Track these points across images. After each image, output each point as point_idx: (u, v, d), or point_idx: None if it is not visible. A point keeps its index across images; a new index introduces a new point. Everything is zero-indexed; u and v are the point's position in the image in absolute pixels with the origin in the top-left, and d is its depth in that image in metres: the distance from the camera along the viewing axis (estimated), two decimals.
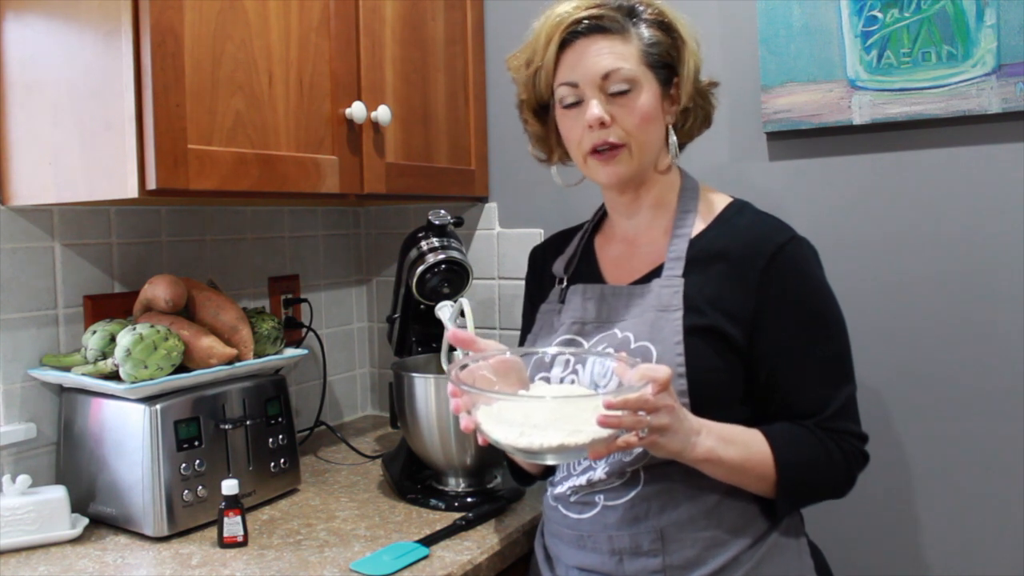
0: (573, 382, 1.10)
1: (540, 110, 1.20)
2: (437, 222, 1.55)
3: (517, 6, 1.84)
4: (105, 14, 1.17)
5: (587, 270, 1.23)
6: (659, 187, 1.18)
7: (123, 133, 1.17)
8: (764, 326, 1.07)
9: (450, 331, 1.08)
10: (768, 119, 1.54)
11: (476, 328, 1.49)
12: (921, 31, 1.41)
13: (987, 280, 1.41)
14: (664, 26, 1.12)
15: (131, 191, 1.17)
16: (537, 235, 1.85)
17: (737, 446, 1.02)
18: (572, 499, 1.12)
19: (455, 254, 1.53)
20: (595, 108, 1.09)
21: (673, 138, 1.16)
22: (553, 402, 0.92)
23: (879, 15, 1.43)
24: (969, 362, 1.43)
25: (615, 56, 1.08)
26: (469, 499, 1.41)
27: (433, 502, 1.42)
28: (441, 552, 1.22)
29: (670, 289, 1.09)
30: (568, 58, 1.11)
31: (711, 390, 1.05)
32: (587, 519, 1.10)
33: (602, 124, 1.09)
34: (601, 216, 1.29)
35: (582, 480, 1.10)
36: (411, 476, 1.50)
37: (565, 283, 1.23)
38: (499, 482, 1.48)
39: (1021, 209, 1.38)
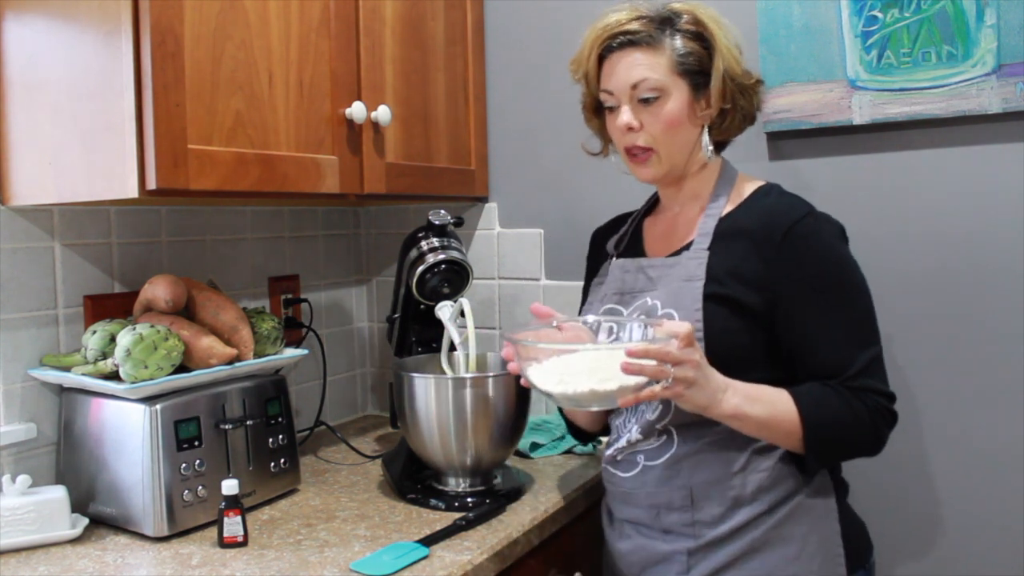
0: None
1: (597, 107, 1.32)
2: (437, 222, 1.55)
3: (517, 6, 1.84)
4: (105, 14, 1.17)
5: (634, 246, 1.36)
6: (697, 181, 1.28)
7: (123, 133, 1.17)
8: (782, 294, 1.15)
9: (533, 305, 1.22)
10: (768, 119, 1.54)
11: (476, 328, 1.50)
12: (921, 31, 1.41)
13: (987, 280, 1.41)
14: (698, 36, 1.21)
15: (131, 191, 1.17)
16: (537, 235, 1.86)
17: (763, 403, 1.11)
18: (619, 459, 1.27)
19: (455, 254, 1.53)
20: (624, 115, 1.22)
21: (706, 138, 1.25)
22: (587, 353, 1.08)
23: (879, 15, 1.44)
24: (969, 362, 1.43)
25: (645, 67, 1.20)
26: (469, 499, 1.41)
27: (433, 502, 1.42)
28: (441, 552, 1.22)
29: (695, 261, 1.20)
30: (606, 68, 1.25)
31: (728, 350, 1.14)
32: (630, 477, 1.24)
33: (630, 129, 1.22)
34: (655, 200, 1.40)
35: (623, 442, 1.25)
36: (411, 476, 1.50)
37: (614, 258, 1.35)
38: (499, 482, 1.48)
39: (1021, 209, 1.38)
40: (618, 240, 1.39)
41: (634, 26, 1.21)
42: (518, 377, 1.15)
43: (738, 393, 1.10)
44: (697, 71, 1.21)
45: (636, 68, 1.21)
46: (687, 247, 1.24)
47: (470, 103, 1.85)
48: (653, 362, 1.01)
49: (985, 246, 1.41)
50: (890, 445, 1.50)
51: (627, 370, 1.00)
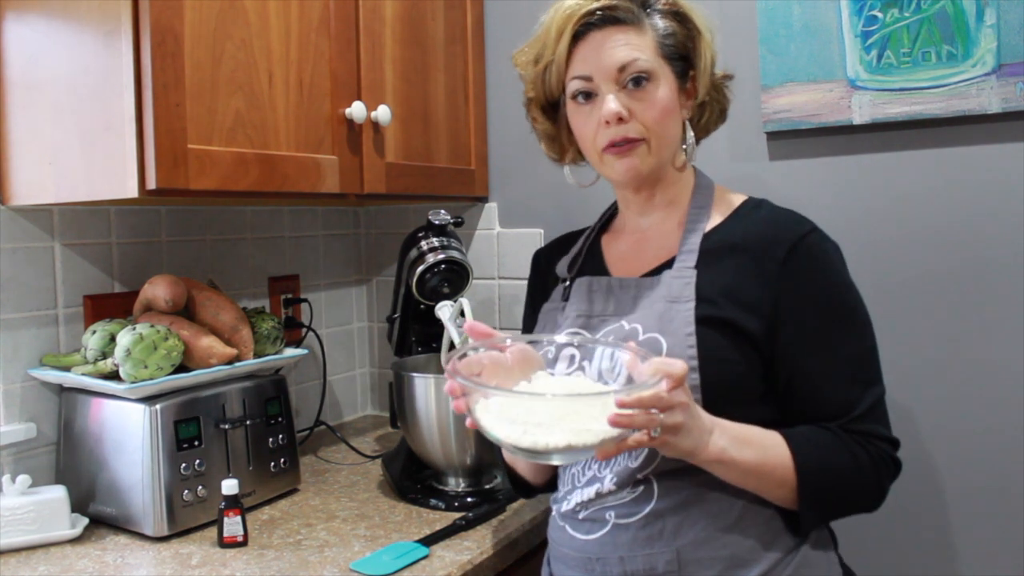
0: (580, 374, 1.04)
1: (549, 108, 1.15)
2: (437, 222, 1.55)
3: (517, 6, 1.84)
4: (105, 14, 1.17)
5: (592, 267, 1.18)
6: (674, 185, 1.13)
7: (123, 133, 1.17)
8: (785, 320, 1.00)
9: (468, 323, 1.01)
10: (768, 119, 1.54)
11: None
12: (921, 31, 1.41)
13: (987, 280, 1.41)
14: (679, 17, 1.07)
15: (131, 191, 1.17)
16: (537, 235, 1.85)
17: (753, 447, 0.95)
18: (580, 516, 1.04)
19: (455, 254, 1.53)
20: (611, 103, 1.03)
21: (691, 134, 1.11)
22: (558, 400, 0.85)
23: (879, 15, 1.43)
24: (969, 362, 1.43)
25: (631, 47, 1.04)
26: (469, 499, 1.41)
27: (433, 502, 1.42)
28: (441, 552, 1.22)
29: (681, 280, 1.04)
30: (581, 51, 1.06)
31: (726, 384, 0.98)
32: (595, 540, 1.02)
33: (620, 120, 1.04)
34: (609, 216, 1.25)
35: (590, 492, 1.03)
36: (411, 476, 1.50)
37: (569, 282, 1.18)
38: (499, 482, 1.48)
39: (1021, 209, 1.38)
40: (571, 261, 1.20)
41: (612, 1, 1.04)
42: None
43: (725, 434, 0.94)
44: (679, 55, 1.07)
45: (621, 48, 1.03)
46: (667, 264, 1.08)
47: (470, 103, 1.85)
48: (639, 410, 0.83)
49: (985, 246, 1.41)
50: None
51: (616, 423, 0.82)
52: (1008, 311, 1.40)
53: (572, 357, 1.06)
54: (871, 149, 1.50)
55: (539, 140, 1.22)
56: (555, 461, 0.89)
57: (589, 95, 1.06)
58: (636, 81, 1.04)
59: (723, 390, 0.98)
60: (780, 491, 0.98)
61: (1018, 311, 1.39)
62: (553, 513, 1.12)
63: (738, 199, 1.13)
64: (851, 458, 0.98)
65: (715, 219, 1.10)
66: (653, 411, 0.85)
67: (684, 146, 1.12)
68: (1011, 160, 1.38)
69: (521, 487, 1.24)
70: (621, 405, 0.82)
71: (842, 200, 1.52)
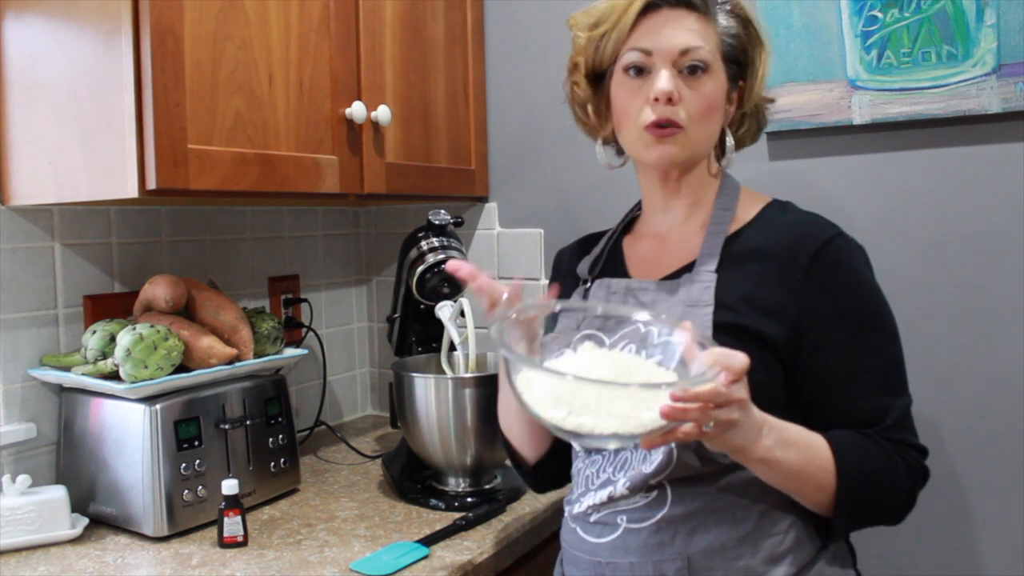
0: (628, 349, 0.97)
1: (593, 77, 1.11)
2: (437, 222, 1.55)
3: (517, 6, 1.84)
4: (105, 14, 1.17)
5: (613, 269, 1.16)
6: (701, 184, 1.11)
7: (123, 133, 1.17)
8: (809, 328, 0.98)
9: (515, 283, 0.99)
10: (768, 119, 1.54)
11: (476, 328, 1.50)
12: (921, 31, 1.41)
13: (987, 280, 1.41)
14: (744, 21, 1.07)
15: (131, 191, 1.17)
16: (537, 235, 1.85)
17: (797, 448, 0.92)
18: (592, 519, 1.03)
19: (455, 254, 1.53)
20: (666, 81, 1.01)
21: (730, 140, 1.10)
22: (609, 385, 0.80)
23: (879, 15, 1.43)
24: (969, 361, 1.43)
25: (696, 34, 1.03)
26: (469, 499, 1.41)
27: (433, 502, 1.42)
28: (441, 552, 1.22)
29: (701, 284, 1.02)
30: (646, 24, 1.04)
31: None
32: (606, 543, 1.00)
33: (669, 100, 1.02)
34: (632, 218, 1.23)
35: (603, 496, 1.01)
36: (411, 476, 1.50)
37: (589, 283, 1.15)
38: (499, 482, 1.48)
39: (1021, 209, 1.38)
40: (592, 263, 1.18)
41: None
42: None
43: (772, 433, 0.90)
44: (735, 59, 1.07)
45: (687, 33, 1.02)
46: (688, 268, 1.05)
47: (470, 103, 1.85)
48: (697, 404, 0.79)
49: (985, 246, 1.41)
50: None
51: (669, 416, 0.78)
52: (1008, 311, 1.40)
53: (600, 340, 1.01)
54: (871, 149, 1.50)
55: (573, 109, 1.19)
56: (595, 445, 0.88)
57: (641, 70, 1.04)
58: (692, 69, 1.03)
59: None
60: (817, 495, 0.95)
61: (1019, 311, 1.39)
62: (566, 515, 1.11)
63: (762, 201, 1.11)
64: (890, 464, 0.97)
65: (739, 222, 1.08)
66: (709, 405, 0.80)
67: (724, 151, 1.11)
68: (1011, 160, 1.38)
69: (536, 480, 1.22)
70: (676, 399, 0.78)
71: (842, 200, 1.52)
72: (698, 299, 1.01)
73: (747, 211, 1.08)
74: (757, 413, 0.88)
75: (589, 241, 1.25)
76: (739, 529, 0.96)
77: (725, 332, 0.97)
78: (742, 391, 0.84)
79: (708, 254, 1.04)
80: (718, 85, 1.05)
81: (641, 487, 0.99)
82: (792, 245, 1.01)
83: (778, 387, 0.99)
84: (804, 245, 1.00)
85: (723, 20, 1.06)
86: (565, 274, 1.23)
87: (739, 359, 0.82)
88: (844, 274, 1.00)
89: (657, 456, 0.97)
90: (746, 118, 1.12)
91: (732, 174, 1.19)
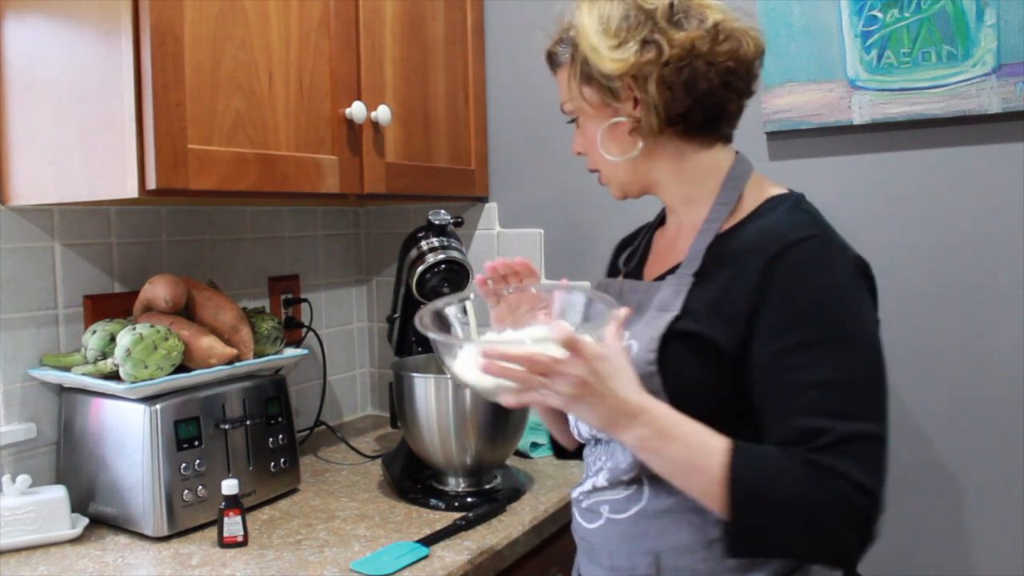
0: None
1: None
2: (437, 222, 1.55)
3: (517, 6, 1.84)
4: (105, 14, 1.17)
5: (637, 264, 1.15)
6: (678, 185, 1.05)
7: (123, 133, 1.17)
8: (756, 334, 0.91)
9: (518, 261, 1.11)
10: (768, 119, 1.54)
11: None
12: (921, 31, 1.41)
13: (987, 280, 1.41)
14: (569, 33, 1.04)
15: (131, 191, 1.17)
16: (537, 235, 1.85)
17: (681, 446, 0.88)
18: (583, 504, 1.06)
19: (455, 254, 1.53)
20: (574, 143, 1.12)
21: (638, 143, 1.02)
22: (466, 344, 0.97)
23: (879, 15, 1.44)
24: (969, 361, 1.43)
25: (564, 89, 1.07)
26: (469, 499, 1.41)
27: (433, 502, 1.42)
28: (441, 552, 1.22)
29: (673, 288, 0.98)
30: None
31: (691, 402, 0.91)
32: (593, 529, 1.03)
33: (580, 153, 1.11)
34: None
35: (588, 485, 1.05)
36: (411, 476, 1.50)
37: (622, 275, 1.16)
38: (499, 482, 1.48)
39: (1021, 209, 1.38)
40: (629, 255, 1.18)
41: (552, 45, 1.08)
42: None
43: (653, 424, 0.87)
44: (591, 76, 1.01)
45: (562, 91, 1.08)
46: (676, 269, 1.02)
47: (470, 103, 1.85)
48: (518, 366, 0.82)
49: (985, 246, 1.41)
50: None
51: (486, 370, 0.83)
52: (1009, 311, 1.40)
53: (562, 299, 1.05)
54: (871, 149, 1.50)
55: None
56: (490, 399, 0.93)
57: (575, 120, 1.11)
58: (572, 120, 1.10)
59: (688, 406, 0.90)
60: (708, 502, 0.89)
61: (1019, 311, 1.39)
62: (572, 504, 1.12)
63: (766, 195, 1.02)
64: (802, 492, 0.84)
65: (736, 217, 1.01)
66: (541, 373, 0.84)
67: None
68: (1011, 160, 1.38)
69: (556, 448, 1.28)
70: (484, 355, 0.83)
71: (842, 200, 1.52)
72: (668, 303, 0.98)
73: (748, 205, 1.02)
74: (635, 401, 0.87)
75: (639, 232, 1.25)
76: (710, 532, 0.94)
77: (677, 339, 0.94)
78: (578, 368, 0.83)
79: (692, 256, 1.00)
80: (590, 120, 1.05)
81: (617, 480, 1.00)
82: (756, 247, 0.94)
83: (729, 402, 0.93)
84: (765, 247, 0.92)
85: (564, 54, 1.05)
86: (613, 263, 1.24)
87: (562, 332, 0.83)
88: (800, 279, 0.90)
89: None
90: (638, 104, 0.99)
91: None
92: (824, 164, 1.53)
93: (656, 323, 0.97)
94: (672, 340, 0.95)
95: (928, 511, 1.49)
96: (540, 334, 0.91)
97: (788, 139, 1.56)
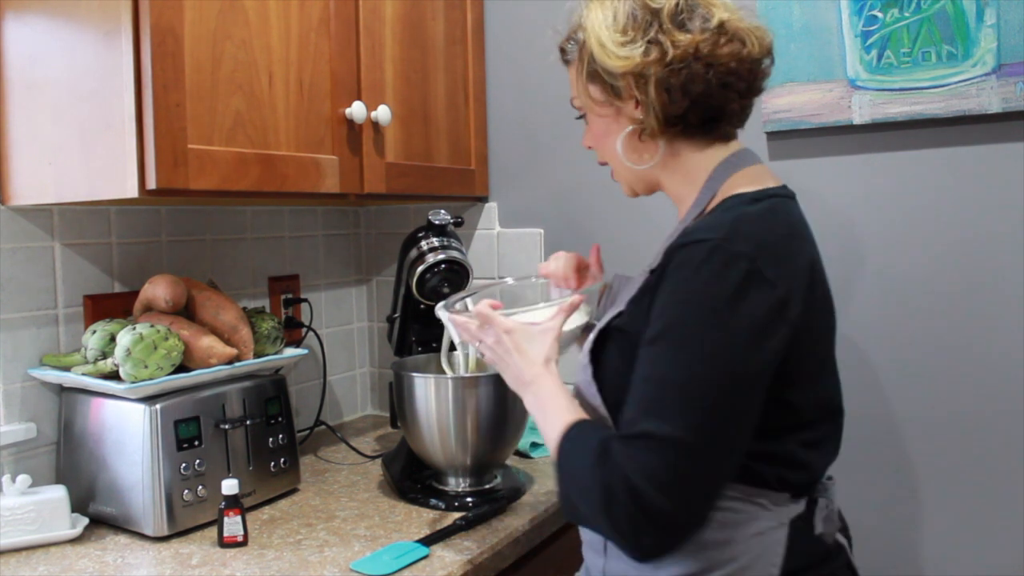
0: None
1: None
2: (437, 222, 1.55)
3: (517, 6, 1.84)
4: (105, 14, 1.17)
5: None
6: (673, 184, 1.07)
7: (123, 133, 1.17)
8: (643, 329, 0.93)
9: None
10: (768, 119, 1.54)
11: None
12: (921, 31, 1.41)
13: (987, 280, 1.41)
14: (577, 31, 1.06)
15: (131, 191, 1.17)
16: (537, 235, 1.85)
17: (547, 416, 0.99)
18: None
19: (455, 254, 1.53)
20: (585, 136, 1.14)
21: (626, 142, 1.04)
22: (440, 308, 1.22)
23: (879, 15, 1.44)
24: (969, 361, 1.43)
25: (573, 85, 1.09)
26: (469, 499, 1.41)
27: (433, 502, 1.42)
28: (441, 552, 1.22)
29: (635, 285, 1.00)
30: None
31: (621, 392, 0.92)
32: (584, 530, 1.09)
33: (590, 147, 1.13)
34: None
35: None
36: (411, 476, 1.50)
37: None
38: (499, 482, 1.48)
39: (1021, 209, 1.38)
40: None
41: (562, 44, 1.10)
42: None
43: (537, 394, 1.01)
44: (597, 74, 1.03)
45: (573, 87, 1.09)
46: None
47: (470, 103, 1.85)
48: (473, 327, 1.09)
49: (985, 246, 1.41)
50: (885, 449, 1.51)
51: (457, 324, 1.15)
52: (1008, 311, 1.40)
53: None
54: (871, 149, 1.50)
55: None
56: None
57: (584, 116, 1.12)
58: (581, 117, 1.11)
59: (620, 396, 0.93)
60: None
61: (1018, 311, 1.39)
62: None
63: (730, 193, 1.00)
64: (588, 472, 0.89)
65: (700, 215, 1.01)
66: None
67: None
68: (1011, 160, 1.38)
69: None
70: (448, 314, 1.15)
71: (842, 200, 1.52)
72: (625, 298, 1.00)
73: (715, 202, 1.01)
74: (530, 371, 1.02)
75: None
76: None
77: (611, 334, 0.99)
78: (486, 336, 1.07)
79: (658, 252, 0.99)
80: (598, 116, 1.07)
81: None
82: (667, 248, 0.95)
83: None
84: (671, 246, 0.94)
85: (573, 51, 1.07)
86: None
87: (481, 306, 1.07)
88: (675, 279, 0.90)
89: None
90: (639, 105, 1.00)
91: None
92: (824, 164, 1.53)
93: (603, 319, 1.02)
94: (608, 335, 1.00)
95: (928, 511, 1.49)
96: (523, 312, 1.10)
97: (788, 139, 1.56)
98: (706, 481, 0.87)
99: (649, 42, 0.98)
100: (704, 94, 0.98)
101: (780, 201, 0.99)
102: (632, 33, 0.99)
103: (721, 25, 0.98)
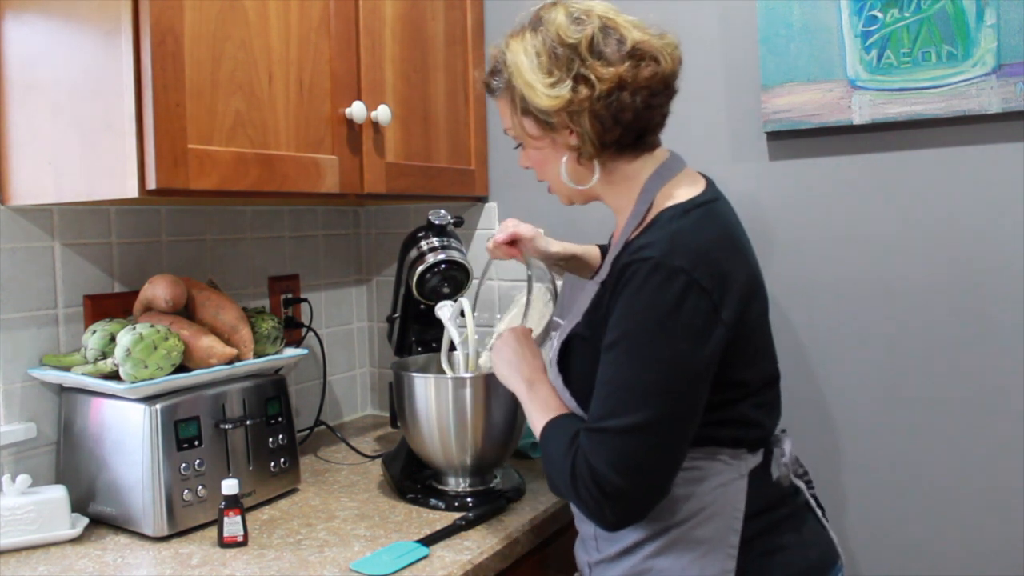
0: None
1: None
2: (437, 222, 1.55)
3: (517, 6, 1.82)
4: (105, 14, 1.17)
5: None
6: (609, 197, 1.16)
7: (123, 133, 1.17)
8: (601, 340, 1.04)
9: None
10: (768, 119, 1.54)
11: (476, 327, 1.50)
12: (921, 31, 1.41)
13: (987, 280, 1.41)
14: (499, 67, 1.12)
15: (131, 191, 1.17)
16: None
17: (534, 406, 1.13)
18: None
19: (455, 254, 1.53)
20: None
21: (586, 164, 1.11)
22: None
23: (879, 15, 1.43)
24: (969, 361, 1.43)
25: (506, 118, 1.15)
26: (469, 499, 1.41)
27: (433, 502, 1.42)
28: (441, 552, 1.22)
29: (587, 294, 1.10)
30: None
31: (584, 390, 1.06)
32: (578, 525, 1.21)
33: (527, 167, 1.19)
34: None
35: None
36: (411, 476, 1.50)
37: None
38: (499, 482, 1.48)
39: (1021, 209, 1.38)
40: None
41: (485, 79, 1.16)
42: None
43: (531, 391, 1.15)
44: (528, 111, 1.09)
45: (503, 119, 1.16)
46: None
47: (470, 103, 1.85)
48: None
49: (985, 246, 1.41)
50: (887, 449, 1.51)
51: None
52: (1008, 311, 1.40)
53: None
54: (871, 149, 1.50)
55: None
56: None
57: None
58: (519, 146, 1.17)
59: (584, 396, 1.06)
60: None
61: (1018, 311, 1.39)
62: None
63: (665, 205, 1.07)
64: (560, 455, 1.04)
65: (640, 229, 1.08)
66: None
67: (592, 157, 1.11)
68: (1011, 160, 1.38)
69: None
70: None
71: (842, 200, 1.52)
72: (582, 307, 1.10)
73: (651, 216, 1.08)
74: (527, 371, 1.17)
75: None
76: (639, 553, 1.07)
77: (574, 340, 1.10)
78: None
79: (606, 262, 1.10)
80: (534, 144, 1.13)
81: None
82: (620, 260, 1.03)
83: None
84: (622, 261, 1.02)
85: (499, 86, 1.12)
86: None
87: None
88: (625, 296, 1.00)
89: None
90: (573, 134, 1.08)
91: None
92: (824, 164, 1.53)
93: (566, 327, 1.13)
94: (571, 343, 1.11)
95: (928, 511, 1.49)
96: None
97: (788, 139, 1.56)
98: (658, 464, 0.99)
99: (575, 79, 1.04)
100: (634, 119, 1.06)
101: (709, 208, 1.07)
102: (558, 73, 1.04)
103: (635, 46, 1.05)
